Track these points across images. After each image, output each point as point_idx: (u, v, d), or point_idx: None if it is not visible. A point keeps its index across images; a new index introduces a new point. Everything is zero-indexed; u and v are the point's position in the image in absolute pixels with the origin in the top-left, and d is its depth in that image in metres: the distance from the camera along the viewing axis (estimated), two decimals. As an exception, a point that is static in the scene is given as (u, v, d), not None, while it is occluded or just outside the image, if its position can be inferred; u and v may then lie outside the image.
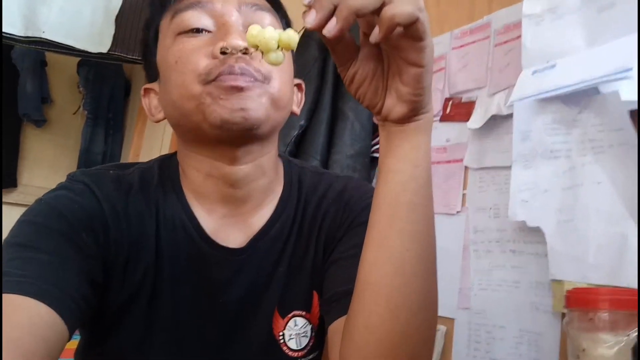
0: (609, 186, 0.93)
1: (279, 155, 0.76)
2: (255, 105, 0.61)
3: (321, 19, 0.43)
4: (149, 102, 0.72)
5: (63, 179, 0.68)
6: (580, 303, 0.81)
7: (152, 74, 0.71)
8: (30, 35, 1.58)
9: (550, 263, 0.98)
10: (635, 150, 0.89)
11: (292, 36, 0.49)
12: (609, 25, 0.97)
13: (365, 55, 0.50)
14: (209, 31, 0.65)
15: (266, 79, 0.63)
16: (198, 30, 0.64)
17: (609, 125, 0.94)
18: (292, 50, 0.77)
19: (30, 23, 1.58)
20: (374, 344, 0.51)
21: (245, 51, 0.61)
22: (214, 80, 0.61)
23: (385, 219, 0.52)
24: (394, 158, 0.51)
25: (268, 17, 0.67)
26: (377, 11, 0.43)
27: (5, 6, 1.52)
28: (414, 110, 0.50)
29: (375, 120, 0.53)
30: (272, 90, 0.64)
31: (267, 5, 0.70)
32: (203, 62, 0.62)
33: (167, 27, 0.67)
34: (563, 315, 0.93)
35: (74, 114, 2.66)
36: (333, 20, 0.43)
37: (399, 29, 0.44)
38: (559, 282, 0.97)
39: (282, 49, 0.50)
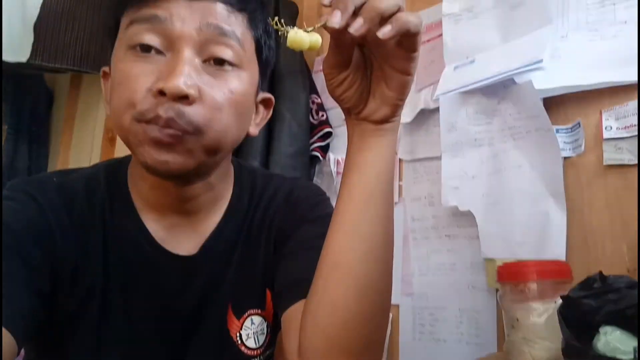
0: (528, 169, 1.01)
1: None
2: (181, 160, 0.58)
3: (347, 18, 0.46)
4: (106, 87, 0.68)
5: None
6: (511, 277, 0.87)
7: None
8: (-60, 47, 1.48)
9: (482, 243, 1.06)
10: (550, 134, 0.97)
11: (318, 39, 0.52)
12: (520, 22, 1.05)
13: (357, 62, 0.54)
14: (160, 51, 0.59)
15: (199, 131, 0.58)
16: (149, 48, 0.59)
17: (525, 112, 1.02)
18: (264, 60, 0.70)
19: (-61, 34, 1.48)
20: (338, 325, 0.54)
21: (184, 96, 0.57)
22: (143, 121, 0.58)
23: (360, 206, 0.55)
24: (371, 153, 0.55)
25: (228, 52, 0.61)
26: (393, 15, 0.47)
27: None
28: (395, 113, 0.55)
29: (348, 119, 0.57)
30: (206, 142, 0.59)
31: (234, 25, 0.62)
32: (139, 96, 0.57)
33: (124, 32, 0.62)
34: (497, 291, 1.00)
35: (-8, 129, 2.50)
36: (360, 20, 0.46)
37: (394, 39, 0.48)
38: (490, 260, 1.04)
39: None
